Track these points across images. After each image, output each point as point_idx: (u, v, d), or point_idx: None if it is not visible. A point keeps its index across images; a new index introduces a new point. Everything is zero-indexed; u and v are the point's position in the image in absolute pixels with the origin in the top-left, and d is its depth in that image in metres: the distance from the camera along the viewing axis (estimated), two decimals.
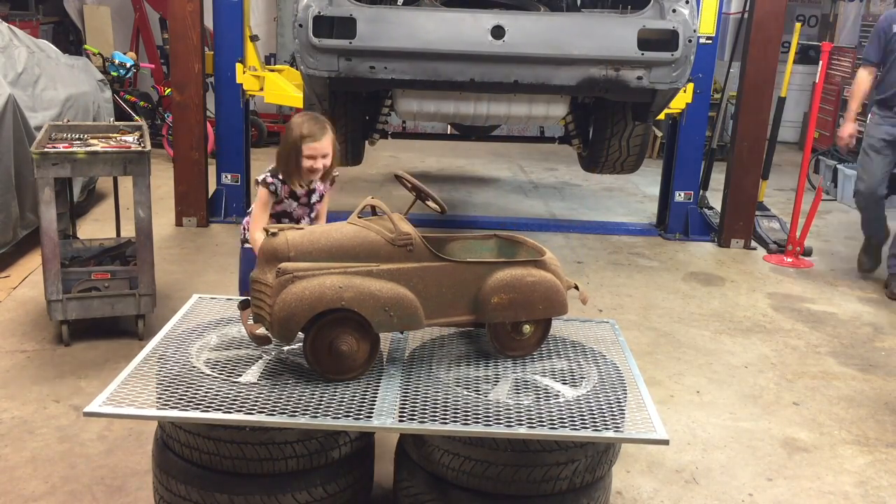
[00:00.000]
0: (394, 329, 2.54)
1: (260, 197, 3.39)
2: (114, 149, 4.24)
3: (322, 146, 3.30)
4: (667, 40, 4.56)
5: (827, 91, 10.02)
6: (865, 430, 3.84)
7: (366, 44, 4.44)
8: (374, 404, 2.39)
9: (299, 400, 2.39)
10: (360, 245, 2.54)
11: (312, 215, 3.54)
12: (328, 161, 3.35)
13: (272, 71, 7.15)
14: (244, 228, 3.55)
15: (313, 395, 2.42)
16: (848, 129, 5.83)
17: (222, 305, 3.17)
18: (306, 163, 3.30)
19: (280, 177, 3.38)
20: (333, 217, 3.31)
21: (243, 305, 2.71)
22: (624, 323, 4.63)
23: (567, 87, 4.71)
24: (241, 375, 2.55)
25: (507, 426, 2.31)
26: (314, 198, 3.52)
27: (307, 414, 2.32)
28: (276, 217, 3.48)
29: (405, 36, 4.48)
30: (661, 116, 6.37)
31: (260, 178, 3.39)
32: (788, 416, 3.92)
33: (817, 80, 6.59)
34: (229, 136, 6.66)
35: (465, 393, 2.50)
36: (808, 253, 6.42)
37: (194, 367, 2.58)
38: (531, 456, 2.45)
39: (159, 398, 2.40)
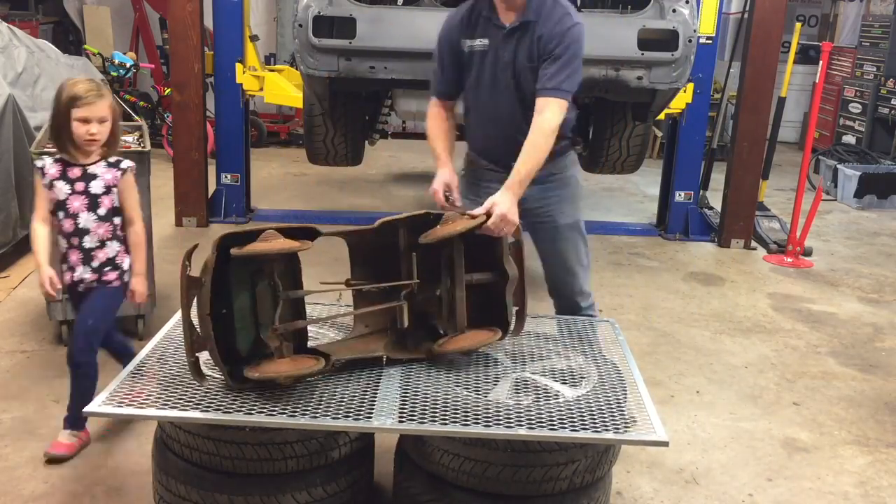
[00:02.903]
0: None
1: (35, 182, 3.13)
2: None
3: (97, 109, 2.99)
4: (667, 40, 4.56)
5: (827, 91, 10.03)
6: (865, 430, 3.84)
7: (366, 44, 4.44)
8: (373, 405, 2.39)
9: (299, 400, 2.38)
10: None
11: (100, 212, 3.11)
12: (106, 129, 3.05)
13: (272, 71, 7.15)
14: None
15: (313, 395, 2.42)
16: None
17: None
18: (79, 129, 2.99)
19: (56, 156, 3.11)
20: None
21: None
22: (624, 323, 4.63)
23: None
24: None
25: (507, 427, 2.31)
26: (96, 186, 3.10)
27: (307, 414, 2.32)
28: (54, 212, 3.10)
29: (405, 36, 4.48)
30: (661, 116, 6.37)
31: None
32: (788, 416, 3.92)
33: (817, 80, 6.59)
34: (229, 136, 6.66)
35: (465, 393, 2.50)
36: (808, 253, 6.42)
37: None
38: (531, 456, 2.44)
39: (159, 398, 2.40)
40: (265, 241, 2.35)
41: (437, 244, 2.60)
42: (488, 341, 2.67)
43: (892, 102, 9.76)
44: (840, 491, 3.32)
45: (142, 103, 8.62)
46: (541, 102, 2.90)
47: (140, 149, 4.22)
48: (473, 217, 2.67)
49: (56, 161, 3.11)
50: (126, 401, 2.37)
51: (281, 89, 6.73)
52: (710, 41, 6.39)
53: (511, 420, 2.34)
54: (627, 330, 3.22)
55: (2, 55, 5.40)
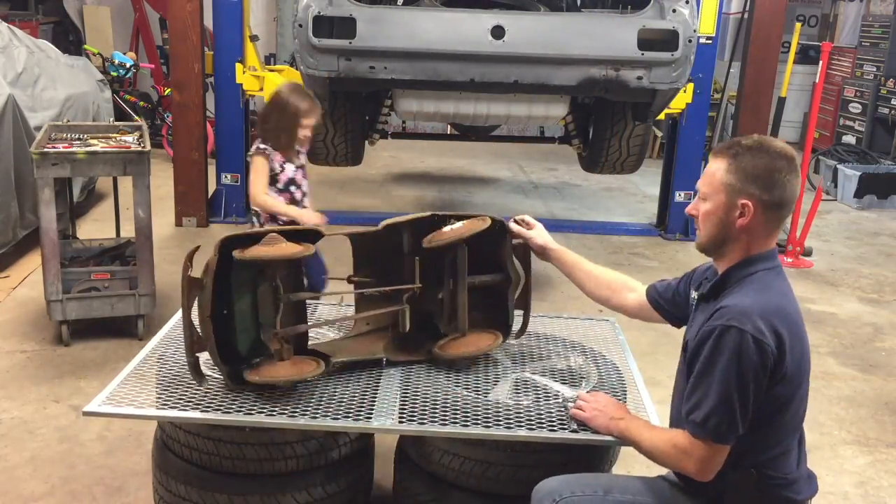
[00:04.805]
0: None
1: (255, 164, 3.79)
2: (113, 149, 4.24)
3: (317, 118, 3.83)
4: (667, 40, 4.56)
5: (827, 91, 10.03)
6: (865, 430, 3.84)
7: (366, 44, 4.44)
8: (373, 405, 2.39)
9: (299, 401, 2.38)
10: None
11: (307, 180, 3.96)
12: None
13: (272, 71, 7.15)
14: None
15: (313, 395, 2.42)
16: None
17: None
18: (302, 132, 3.80)
19: (269, 145, 3.79)
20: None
21: None
22: (624, 323, 4.61)
23: (567, 87, 4.71)
24: None
25: (507, 428, 2.31)
26: (303, 159, 3.96)
27: (307, 415, 2.32)
28: (286, 187, 3.84)
29: (405, 36, 4.48)
30: (661, 116, 6.37)
31: (252, 150, 3.83)
32: None
33: (817, 80, 6.59)
34: (229, 136, 6.67)
35: (465, 393, 2.49)
36: (808, 253, 6.42)
37: None
38: (531, 456, 2.44)
39: (159, 398, 2.40)
40: (268, 244, 2.34)
41: (442, 248, 2.58)
42: (489, 349, 2.65)
43: (892, 102, 9.76)
44: (840, 491, 3.32)
45: (142, 103, 8.62)
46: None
47: (140, 149, 4.22)
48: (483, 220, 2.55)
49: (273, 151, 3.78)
50: (126, 401, 2.37)
51: None
52: (710, 41, 6.39)
53: (511, 420, 2.34)
54: (627, 330, 3.22)
55: (2, 55, 5.40)
